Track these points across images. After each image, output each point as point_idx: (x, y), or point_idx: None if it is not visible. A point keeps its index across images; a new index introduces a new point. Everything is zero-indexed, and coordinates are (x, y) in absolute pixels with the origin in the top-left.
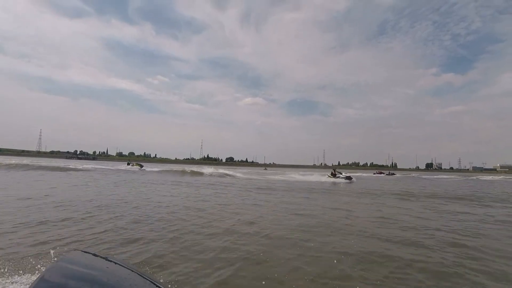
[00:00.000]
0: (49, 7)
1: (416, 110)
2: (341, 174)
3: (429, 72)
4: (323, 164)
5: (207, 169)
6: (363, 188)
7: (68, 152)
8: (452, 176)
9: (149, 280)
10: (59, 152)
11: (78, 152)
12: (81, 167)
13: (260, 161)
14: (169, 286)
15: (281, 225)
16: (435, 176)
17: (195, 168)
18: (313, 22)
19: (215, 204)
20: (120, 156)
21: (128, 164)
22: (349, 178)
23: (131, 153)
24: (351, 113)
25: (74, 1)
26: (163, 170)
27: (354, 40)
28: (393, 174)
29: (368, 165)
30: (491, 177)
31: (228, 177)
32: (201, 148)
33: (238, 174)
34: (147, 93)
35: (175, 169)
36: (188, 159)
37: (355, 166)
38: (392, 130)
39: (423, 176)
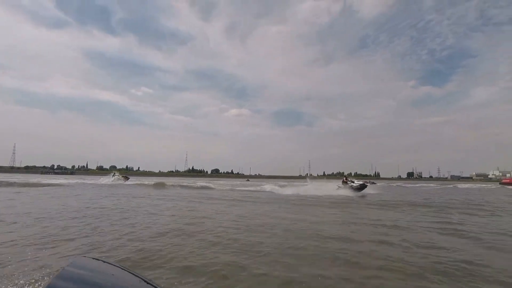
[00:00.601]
0: (27, 17)
1: (398, 121)
2: (353, 182)
3: (409, 84)
4: (308, 174)
5: (186, 182)
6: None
7: (44, 167)
8: (432, 185)
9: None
10: (34, 167)
11: (55, 167)
12: (54, 182)
13: (246, 172)
14: None
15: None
16: (417, 185)
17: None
18: (297, 35)
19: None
20: (100, 170)
21: (114, 175)
22: (362, 186)
23: (113, 167)
24: (335, 123)
25: (54, 11)
26: (135, 184)
27: (338, 53)
28: (374, 183)
29: (353, 174)
30: (467, 185)
31: (184, 188)
32: (186, 160)
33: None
34: (130, 105)
35: (146, 182)
36: (173, 171)
37: (340, 175)
38: (375, 140)
39: (407, 185)
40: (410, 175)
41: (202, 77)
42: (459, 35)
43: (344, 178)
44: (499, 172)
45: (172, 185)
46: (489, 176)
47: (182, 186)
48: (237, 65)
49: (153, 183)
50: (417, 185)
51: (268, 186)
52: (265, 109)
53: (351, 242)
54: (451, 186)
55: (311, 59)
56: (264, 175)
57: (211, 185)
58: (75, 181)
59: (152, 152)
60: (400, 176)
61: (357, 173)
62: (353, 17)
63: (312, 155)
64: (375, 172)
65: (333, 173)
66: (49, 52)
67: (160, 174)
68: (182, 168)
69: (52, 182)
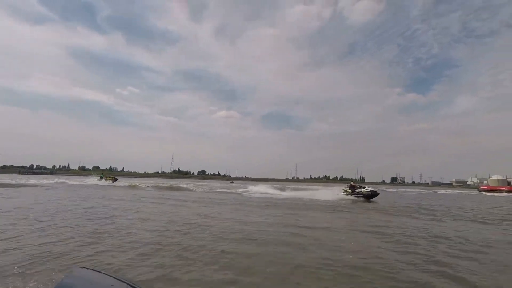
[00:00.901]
0: (8, 11)
1: (384, 127)
2: (363, 188)
3: (395, 91)
4: (295, 178)
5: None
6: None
7: (22, 166)
8: (414, 190)
9: None
10: (12, 166)
11: (34, 167)
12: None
13: (233, 174)
14: None
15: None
16: (401, 189)
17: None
18: (288, 38)
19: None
20: (82, 170)
21: (101, 178)
22: (373, 194)
23: (96, 167)
24: (325, 127)
25: (37, 6)
26: (123, 185)
27: (327, 58)
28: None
29: (338, 178)
30: (446, 191)
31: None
32: (172, 161)
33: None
34: (116, 104)
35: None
36: (158, 172)
37: (326, 179)
38: (362, 145)
39: (390, 190)
40: (393, 180)
41: (191, 78)
42: (443, 45)
43: (352, 183)
44: (477, 179)
45: (147, 186)
46: (467, 183)
47: (157, 187)
48: (226, 67)
49: (145, 185)
50: (400, 189)
51: (257, 188)
52: (255, 112)
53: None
54: (431, 191)
55: (301, 63)
56: (250, 178)
57: (191, 187)
58: (50, 181)
59: (138, 153)
60: (384, 180)
61: (343, 177)
62: (343, 23)
63: (299, 159)
64: (360, 177)
65: (319, 176)
66: (31, 48)
67: (145, 175)
68: (168, 170)
69: (24, 182)
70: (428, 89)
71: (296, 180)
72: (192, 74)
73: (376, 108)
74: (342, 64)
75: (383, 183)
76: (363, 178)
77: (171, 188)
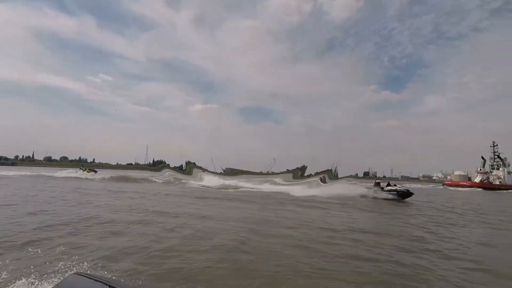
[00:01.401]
0: None
1: (359, 123)
2: (394, 186)
3: (370, 88)
4: (270, 172)
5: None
6: None
7: None
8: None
9: None
10: None
11: None
12: None
13: (208, 167)
14: None
15: None
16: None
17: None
18: (267, 31)
19: None
20: (49, 161)
21: (83, 169)
22: (407, 194)
23: (64, 158)
24: (301, 122)
25: None
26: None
27: (306, 53)
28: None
29: (313, 174)
30: (415, 185)
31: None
32: (146, 153)
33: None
34: (87, 93)
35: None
36: (132, 164)
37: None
38: (337, 140)
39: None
40: (366, 174)
41: (167, 68)
42: (416, 45)
43: (376, 180)
44: (442, 174)
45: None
46: (433, 178)
47: (112, 179)
48: (204, 58)
49: (101, 177)
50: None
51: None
52: (232, 104)
53: None
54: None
55: (280, 56)
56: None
57: (154, 179)
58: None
59: (110, 144)
60: (357, 174)
61: (317, 172)
62: (322, 18)
63: (277, 153)
64: (335, 170)
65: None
66: None
67: (118, 166)
68: (143, 161)
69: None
70: (401, 87)
71: (272, 173)
72: (168, 64)
73: (352, 105)
74: (321, 60)
75: (356, 176)
76: (337, 172)
77: (126, 179)
